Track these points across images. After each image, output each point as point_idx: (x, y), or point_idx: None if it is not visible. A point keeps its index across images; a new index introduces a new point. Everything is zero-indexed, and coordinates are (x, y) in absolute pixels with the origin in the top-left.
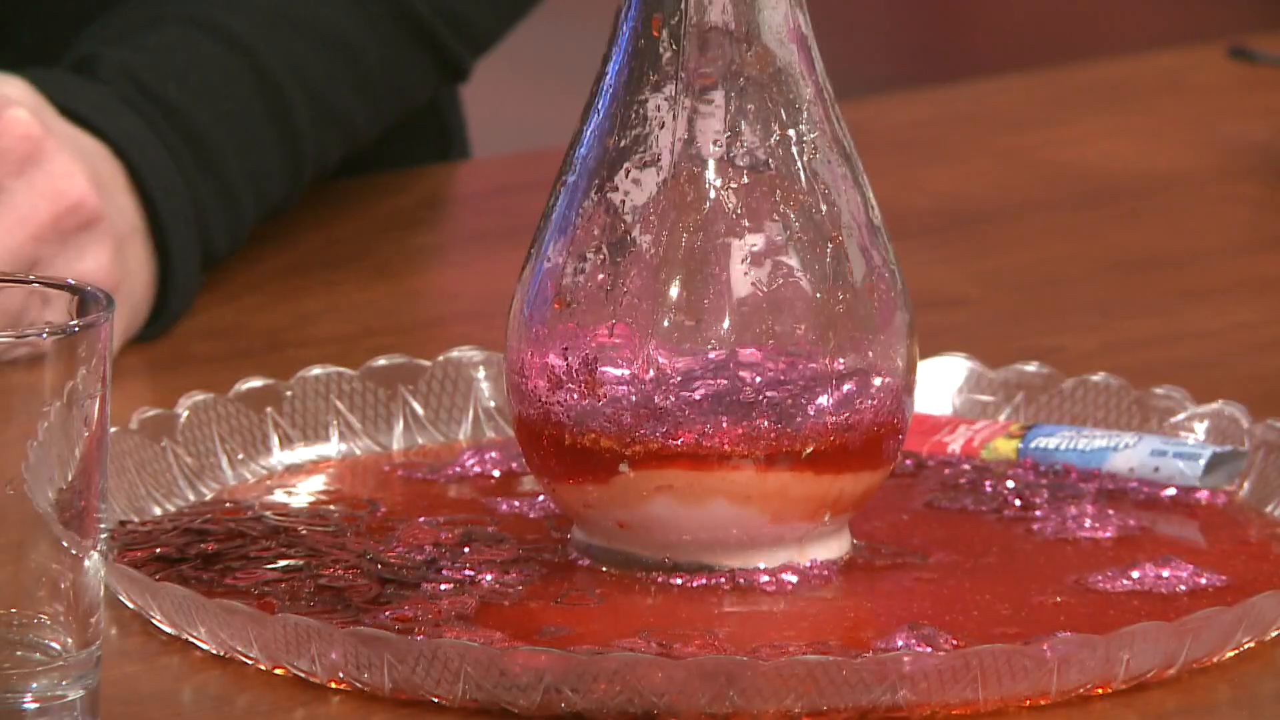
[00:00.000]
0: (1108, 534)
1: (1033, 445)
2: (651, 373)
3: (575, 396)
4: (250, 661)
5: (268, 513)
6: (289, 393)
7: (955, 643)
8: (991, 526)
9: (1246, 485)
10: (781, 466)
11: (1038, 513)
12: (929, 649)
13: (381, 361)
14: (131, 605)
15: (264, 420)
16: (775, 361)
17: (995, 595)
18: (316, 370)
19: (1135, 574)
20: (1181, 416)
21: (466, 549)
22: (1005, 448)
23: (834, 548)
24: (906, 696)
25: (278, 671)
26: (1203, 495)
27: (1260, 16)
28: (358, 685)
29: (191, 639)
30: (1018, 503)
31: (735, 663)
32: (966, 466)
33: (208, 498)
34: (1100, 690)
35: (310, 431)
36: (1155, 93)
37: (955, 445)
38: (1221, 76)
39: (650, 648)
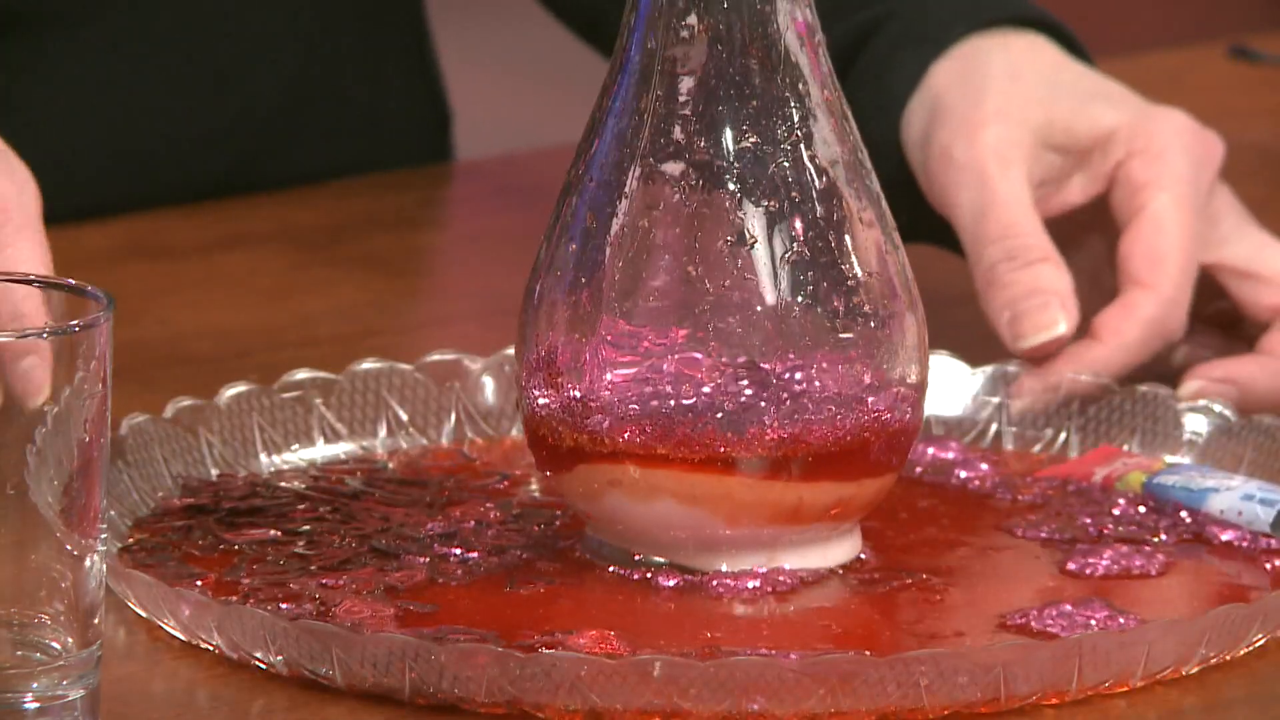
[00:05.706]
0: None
1: (1155, 481)
2: (651, 372)
3: (576, 395)
4: (254, 662)
5: (293, 483)
6: (284, 393)
7: (970, 644)
8: (1015, 540)
9: None
10: (788, 471)
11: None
12: (946, 649)
13: (435, 357)
14: (133, 605)
15: (254, 421)
16: (779, 363)
17: (1007, 607)
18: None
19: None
20: None
21: (473, 540)
22: (1135, 481)
23: (844, 552)
24: (923, 697)
25: (284, 672)
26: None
27: (1260, 16)
28: (370, 688)
29: (194, 639)
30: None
31: (739, 664)
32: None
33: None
34: (1119, 688)
35: (356, 427)
36: (1155, 93)
37: (1098, 476)
38: (1221, 76)
39: (647, 647)
